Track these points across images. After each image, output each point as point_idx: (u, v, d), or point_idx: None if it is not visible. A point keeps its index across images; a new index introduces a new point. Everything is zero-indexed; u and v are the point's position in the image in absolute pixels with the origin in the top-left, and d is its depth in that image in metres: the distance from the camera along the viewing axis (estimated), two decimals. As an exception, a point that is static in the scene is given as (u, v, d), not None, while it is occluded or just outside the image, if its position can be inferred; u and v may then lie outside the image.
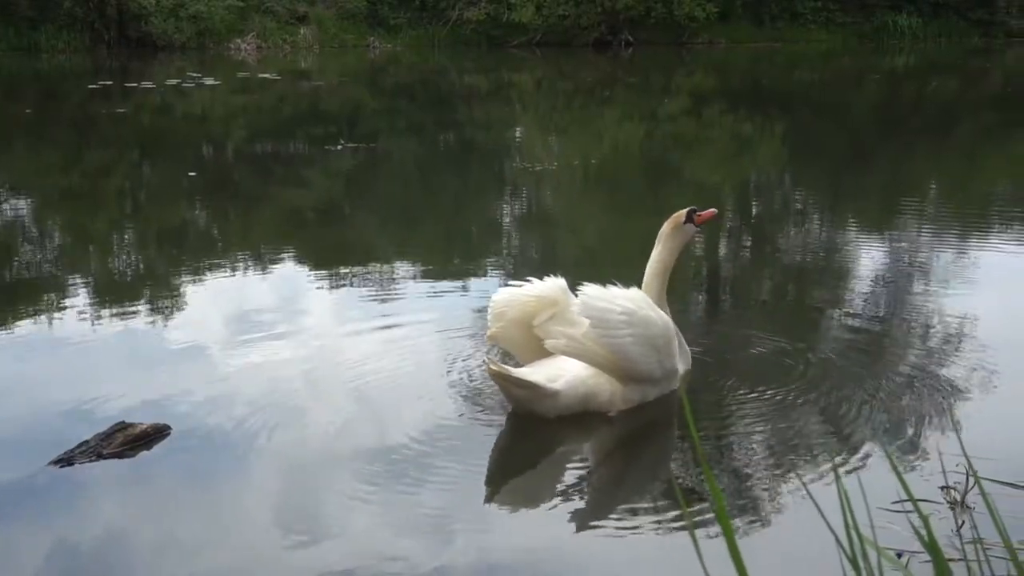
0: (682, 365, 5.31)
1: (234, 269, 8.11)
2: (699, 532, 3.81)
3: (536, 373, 4.92)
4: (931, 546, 1.43)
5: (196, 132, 18.03)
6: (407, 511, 4.02)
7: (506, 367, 4.82)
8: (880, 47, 37.45)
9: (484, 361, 4.89)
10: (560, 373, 4.93)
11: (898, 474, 1.53)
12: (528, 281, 5.12)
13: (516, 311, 5.08)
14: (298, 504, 4.13)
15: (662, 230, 5.37)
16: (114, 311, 6.80)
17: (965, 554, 3.10)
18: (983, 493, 1.79)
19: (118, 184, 13.07)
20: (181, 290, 7.39)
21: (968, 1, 40.24)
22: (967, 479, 3.89)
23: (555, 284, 5.05)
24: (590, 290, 4.90)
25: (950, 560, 3.11)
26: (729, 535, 1.39)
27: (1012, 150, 15.81)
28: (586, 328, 4.85)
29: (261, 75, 26.96)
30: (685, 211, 5.38)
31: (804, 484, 4.14)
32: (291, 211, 11.22)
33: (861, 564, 1.43)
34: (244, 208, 11.56)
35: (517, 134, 18.20)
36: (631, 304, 4.88)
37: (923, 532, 1.54)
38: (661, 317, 5.00)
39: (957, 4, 40.30)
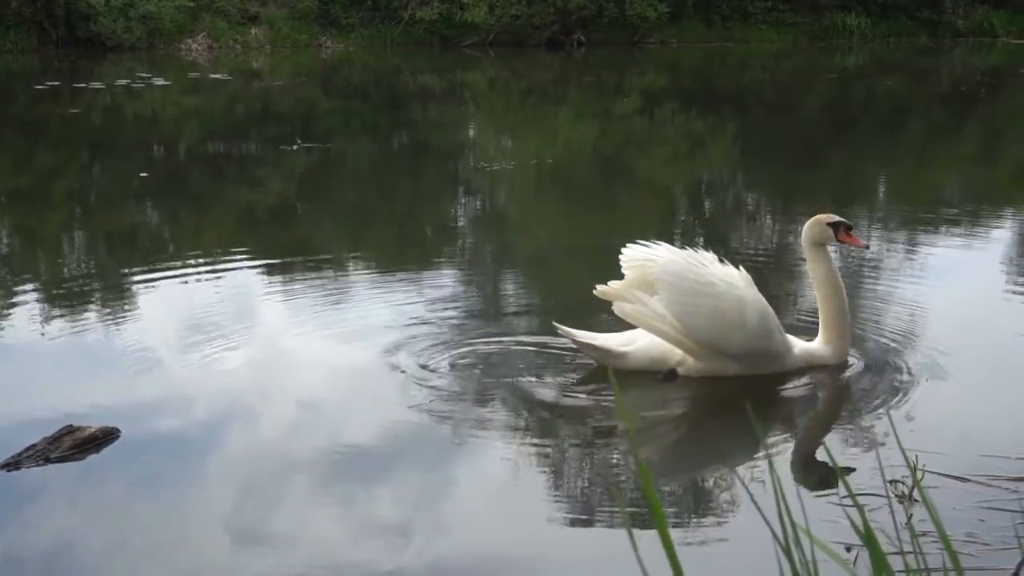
0: (831, 354, 5.24)
1: (186, 271, 8.02)
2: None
3: (610, 337, 5.12)
4: (868, 537, 1.45)
5: (147, 133, 17.80)
6: (361, 512, 4.01)
7: (571, 330, 5.06)
8: (830, 47, 37.83)
9: (553, 323, 5.11)
10: (636, 337, 5.11)
11: (835, 466, 1.56)
12: (659, 244, 5.17)
13: (643, 271, 5.08)
14: (250, 508, 4.11)
15: (807, 234, 5.26)
16: (63, 314, 6.72)
17: (901, 547, 3.14)
18: (920, 488, 1.82)
19: (67, 186, 12.89)
20: (131, 292, 7.31)
21: (916, 1, 40.74)
22: (913, 473, 3.95)
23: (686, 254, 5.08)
24: (682, 255, 5.02)
25: (892, 554, 3.16)
26: (661, 523, 1.41)
27: (961, 148, 16.02)
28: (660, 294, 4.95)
29: (212, 75, 26.68)
30: (835, 218, 5.26)
31: (740, 478, 4.18)
32: (245, 212, 11.13)
33: (795, 553, 1.46)
34: (197, 209, 11.44)
35: (472, 134, 18.19)
36: (713, 278, 4.94)
37: (863, 525, 1.57)
38: (755, 299, 4.98)
39: (905, 4, 40.77)
